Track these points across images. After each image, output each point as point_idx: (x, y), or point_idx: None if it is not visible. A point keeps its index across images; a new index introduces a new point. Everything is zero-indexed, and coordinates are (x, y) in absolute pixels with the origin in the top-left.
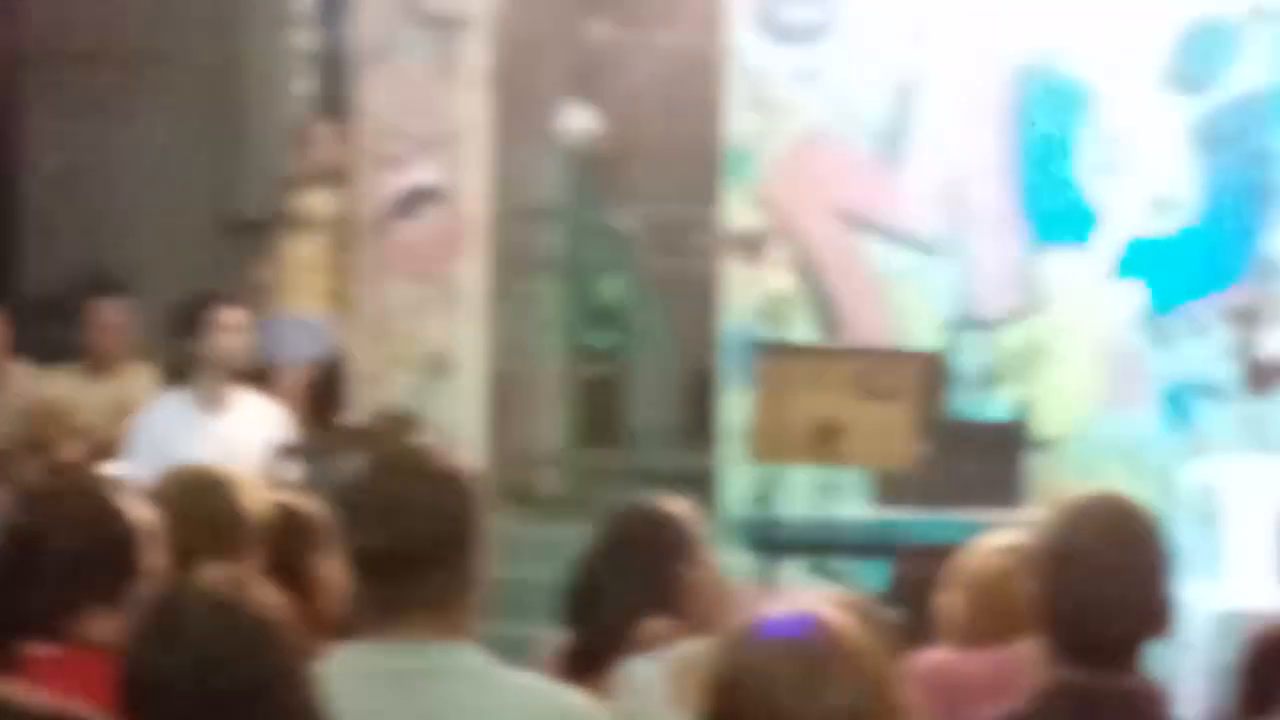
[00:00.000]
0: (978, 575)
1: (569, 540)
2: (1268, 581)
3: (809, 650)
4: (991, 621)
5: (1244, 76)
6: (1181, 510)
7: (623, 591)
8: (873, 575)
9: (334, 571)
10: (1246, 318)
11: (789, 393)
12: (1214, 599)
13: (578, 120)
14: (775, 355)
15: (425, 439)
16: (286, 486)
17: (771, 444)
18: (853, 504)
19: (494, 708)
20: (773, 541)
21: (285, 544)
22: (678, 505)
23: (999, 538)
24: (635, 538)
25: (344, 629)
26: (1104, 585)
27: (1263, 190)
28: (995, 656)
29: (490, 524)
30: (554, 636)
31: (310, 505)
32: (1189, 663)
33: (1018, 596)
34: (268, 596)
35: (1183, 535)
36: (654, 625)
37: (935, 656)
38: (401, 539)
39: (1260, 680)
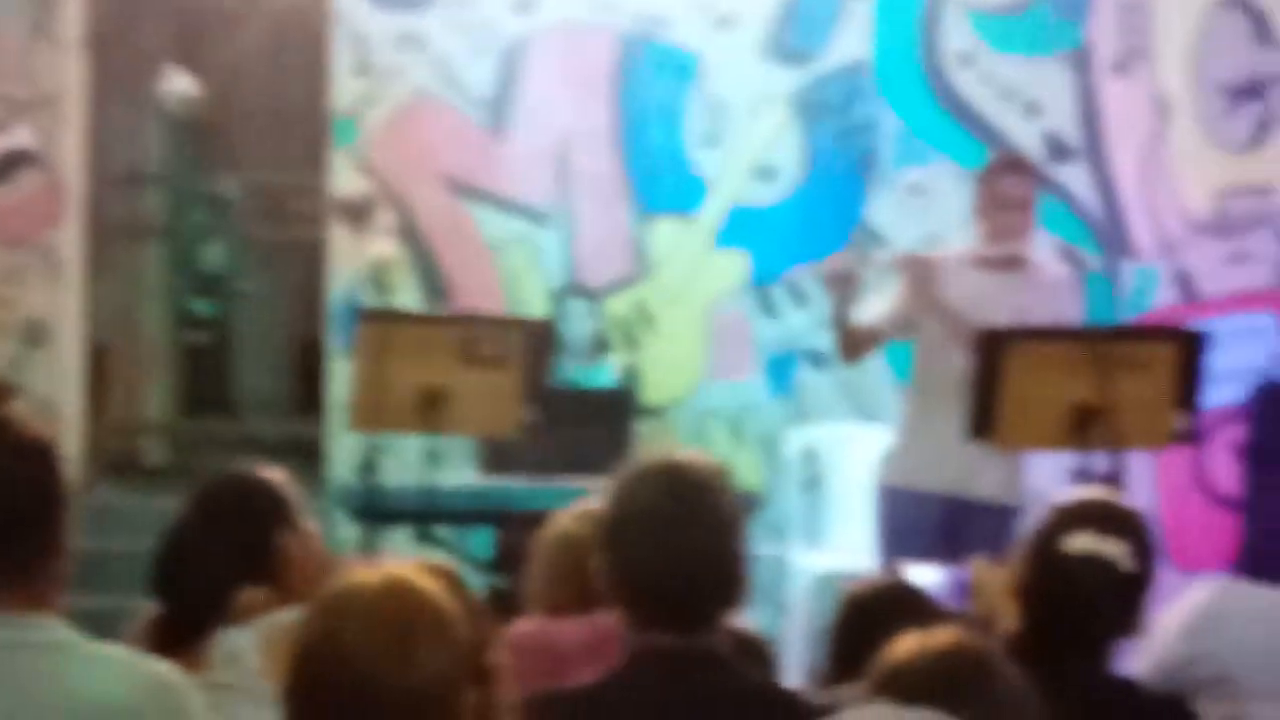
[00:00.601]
0: (552, 544)
1: (174, 511)
2: (865, 544)
3: (395, 617)
4: (568, 589)
5: (845, 47)
6: (785, 476)
7: (215, 561)
8: (480, 543)
9: None
10: (842, 285)
11: (391, 360)
12: (815, 562)
13: (179, 84)
14: (377, 322)
15: (13, 408)
16: None
17: (372, 412)
18: (461, 472)
19: (78, 681)
20: (378, 510)
21: None
22: (272, 472)
23: (577, 506)
24: (228, 506)
25: None
26: (663, 549)
27: (863, 160)
28: (590, 623)
29: (78, 494)
30: (149, 608)
31: None
32: (792, 625)
33: (589, 563)
34: None
35: (787, 500)
36: (250, 595)
37: (530, 624)
38: None
39: (849, 640)
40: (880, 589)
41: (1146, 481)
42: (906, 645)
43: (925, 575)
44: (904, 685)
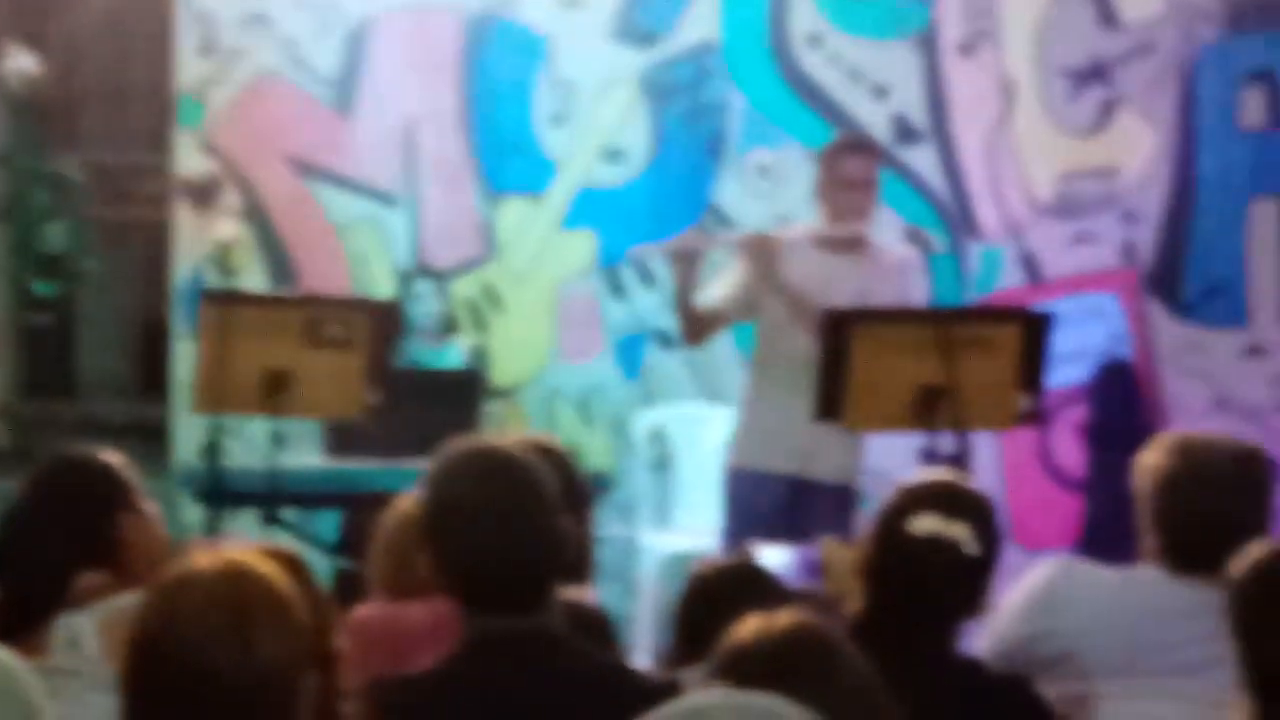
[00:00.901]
0: (393, 527)
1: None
2: (714, 524)
3: (233, 603)
4: (409, 572)
5: (693, 28)
6: (634, 457)
7: (53, 545)
8: (326, 526)
9: None
10: (686, 264)
11: (235, 342)
12: (664, 542)
13: (19, 62)
14: (220, 303)
15: None
16: None
17: (216, 394)
18: (307, 454)
19: None
20: (223, 492)
21: None
22: (110, 455)
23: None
24: (65, 489)
25: None
26: (480, 535)
27: (712, 141)
28: (434, 606)
29: None
30: None
31: None
32: (641, 605)
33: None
34: None
35: (636, 481)
36: (89, 579)
37: (374, 608)
38: None
39: (695, 620)
40: (726, 569)
41: (991, 461)
42: (749, 627)
43: (774, 556)
44: (745, 668)
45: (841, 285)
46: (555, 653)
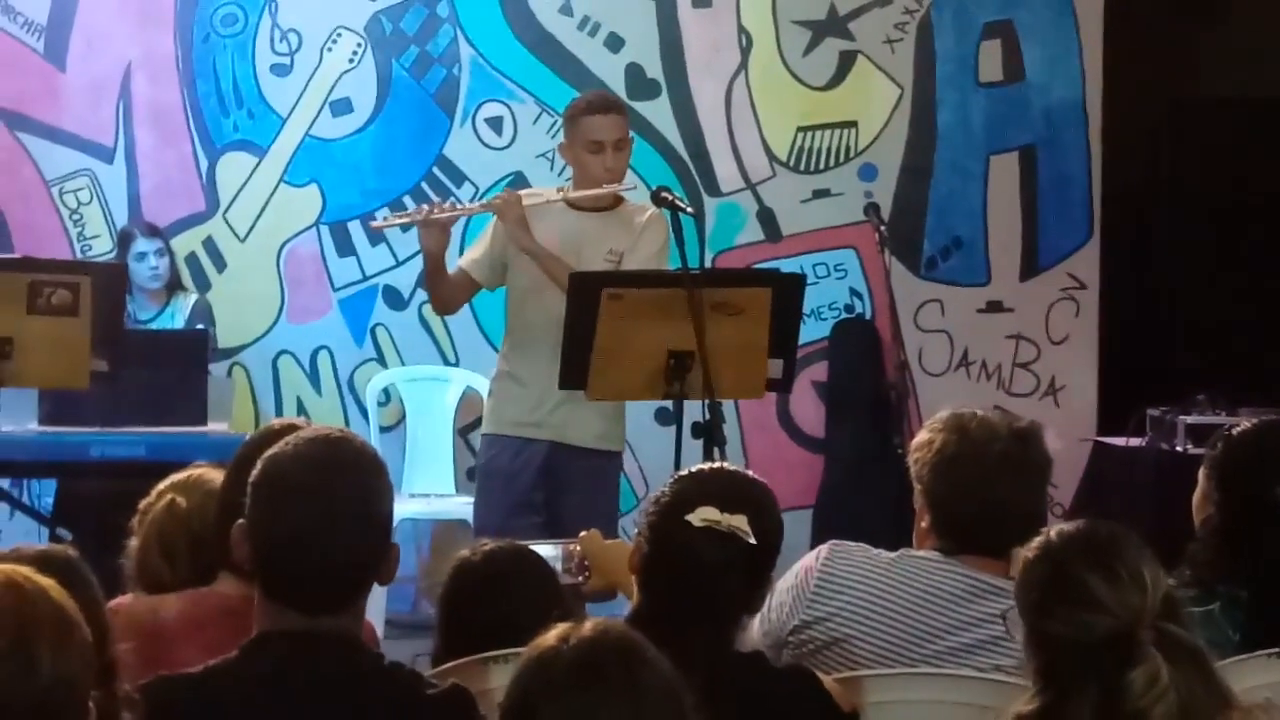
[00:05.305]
0: (160, 517)
1: None
2: (446, 487)
3: (15, 621)
4: (178, 564)
5: None
6: (367, 419)
7: None
8: (42, 494)
9: None
10: (436, 231)
11: None
12: (397, 507)
13: None
14: None
15: None
16: None
17: None
18: (22, 420)
19: None
20: None
21: None
22: None
23: (183, 475)
24: None
25: None
26: (312, 518)
27: (441, 92)
28: (194, 597)
29: None
30: None
31: None
32: None
33: (198, 535)
34: None
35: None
36: None
37: (128, 600)
38: None
39: (463, 612)
40: (497, 559)
41: (730, 418)
42: (553, 634)
43: (542, 548)
44: (553, 675)
45: (595, 247)
46: (347, 658)
